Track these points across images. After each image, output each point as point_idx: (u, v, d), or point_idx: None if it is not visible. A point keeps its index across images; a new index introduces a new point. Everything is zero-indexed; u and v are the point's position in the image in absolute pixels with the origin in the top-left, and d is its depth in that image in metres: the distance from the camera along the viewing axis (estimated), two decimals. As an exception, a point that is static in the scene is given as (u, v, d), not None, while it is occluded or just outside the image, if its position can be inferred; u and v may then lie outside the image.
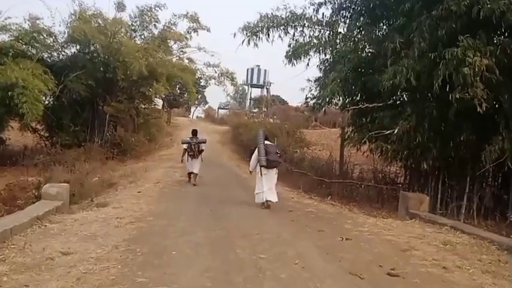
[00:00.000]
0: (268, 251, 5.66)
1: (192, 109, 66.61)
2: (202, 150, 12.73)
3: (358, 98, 12.51)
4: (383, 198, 12.26)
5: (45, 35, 18.96)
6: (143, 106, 24.40)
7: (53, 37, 19.24)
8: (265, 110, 50.47)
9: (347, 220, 8.45)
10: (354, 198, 12.62)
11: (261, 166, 9.12)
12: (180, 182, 13.19)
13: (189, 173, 12.85)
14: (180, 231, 6.56)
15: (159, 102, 36.43)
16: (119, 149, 20.82)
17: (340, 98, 12.56)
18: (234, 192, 12.07)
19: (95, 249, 5.24)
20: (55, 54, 19.81)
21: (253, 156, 9.66)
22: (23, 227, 6.00)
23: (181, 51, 23.81)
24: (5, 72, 15.19)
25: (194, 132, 12.99)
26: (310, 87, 13.65)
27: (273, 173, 9.31)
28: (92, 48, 19.97)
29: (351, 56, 11.54)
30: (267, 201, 9.17)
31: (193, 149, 12.41)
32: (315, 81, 13.63)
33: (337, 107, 14.12)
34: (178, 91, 38.42)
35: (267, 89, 61.74)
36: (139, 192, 10.62)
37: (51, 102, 19.49)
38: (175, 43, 23.14)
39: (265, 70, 62.33)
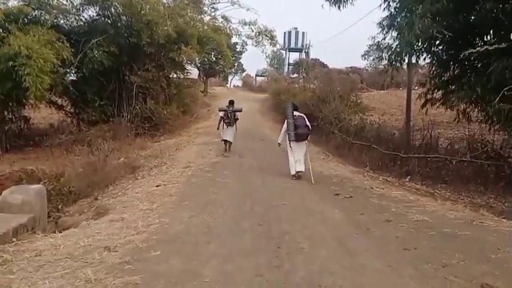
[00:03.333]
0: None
1: (229, 78, 63.98)
2: (237, 119, 12.84)
3: (459, 41, 8.76)
4: (485, 178, 8.91)
5: (58, -3, 16.18)
6: (175, 75, 21.52)
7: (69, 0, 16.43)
8: (305, 74, 46.72)
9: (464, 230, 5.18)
10: (443, 178, 9.32)
11: (290, 141, 8.97)
12: (215, 165, 10.33)
13: (224, 141, 12.82)
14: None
15: (194, 71, 33.77)
16: (150, 124, 18.22)
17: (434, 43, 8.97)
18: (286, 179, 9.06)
19: None
20: (72, 19, 17.04)
21: (282, 129, 9.48)
22: None
23: (213, 7, 20.48)
24: (8, 40, 12.71)
25: (231, 102, 13.18)
26: (376, 40, 10.15)
27: (303, 145, 9.17)
28: (112, 10, 17.05)
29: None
30: (297, 172, 8.99)
31: (230, 117, 12.56)
32: (387, 25, 10.08)
33: (424, 57, 10.35)
34: (214, 58, 35.53)
35: (306, 52, 57.64)
36: (158, 186, 7.80)
37: (72, 75, 17.07)
38: (205, -1, 19.83)
39: (303, 32, 58.31)
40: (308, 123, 9.15)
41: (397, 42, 9.05)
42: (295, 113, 9.16)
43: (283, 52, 61.12)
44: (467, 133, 10.21)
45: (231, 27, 20.98)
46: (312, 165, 9.14)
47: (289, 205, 6.48)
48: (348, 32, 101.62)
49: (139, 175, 9.59)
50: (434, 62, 9.90)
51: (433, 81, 10.55)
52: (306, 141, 9.28)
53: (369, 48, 64.82)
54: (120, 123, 16.96)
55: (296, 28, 58.12)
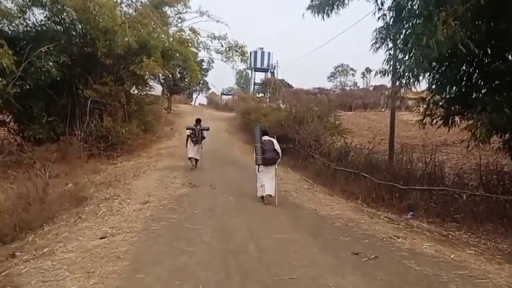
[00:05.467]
0: None
1: (194, 95, 62.13)
2: (204, 138, 12.97)
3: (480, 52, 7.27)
4: (503, 216, 7.46)
5: (0, -1, 13.88)
6: (136, 90, 19.38)
7: (12, 0, 14.13)
8: (272, 94, 45.63)
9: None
10: (452, 216, 7.79)
11: (257, 164, 8.80)
12: (182, 200, 8.32)
13: (190, 158, 12.83)
14: None
15: (157, 88, 31.75)
16: (106, 143, 15.93)
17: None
18: (278, 223, 7.16)
19: None
20: (16, 22, 14.70)
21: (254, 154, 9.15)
22: None
23: (179, 17, 18.69)
24: None
25: (198, 121, 13.25)
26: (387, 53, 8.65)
27: (271, 169, 8.87)
28: (65, 15, 14.89)
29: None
30: (266, 195, 8.67)
31: (197, 135, 12.69)
32: (381, 37, 8.63)
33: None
34: (179, 75, 33.66)
35: (271, 72, 56.97)
36: (103, 238, 5.68)
37: (14, 86, 14.71)
38: (171, 7, 18.00)
39: (269, 53, 57.81)
40: (277, 147, 8.83)
41: (408, 56, 7.52)
42: (265, 137, 9.01)
43: (249, 72, 60.25)
44: (472, 159, 8.85)
45: (199, 41, 19.24)
46: (301, 199, 7.70)
47: (300, 280, 4.46)
48: (314, 54, 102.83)
49: (84, 212, 7.45)
50: (438, 77, 8.49)
51: (433, 99, 9.16)
52: (276, 165, 8.96)
53: (335, 70, 65.21)
54: (71, 143, 14.64)
55: (262, 48, 57.49)
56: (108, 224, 6.42)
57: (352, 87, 60.17)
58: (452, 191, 8.07)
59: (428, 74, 8.03)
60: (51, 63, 13.88)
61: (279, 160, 9.04)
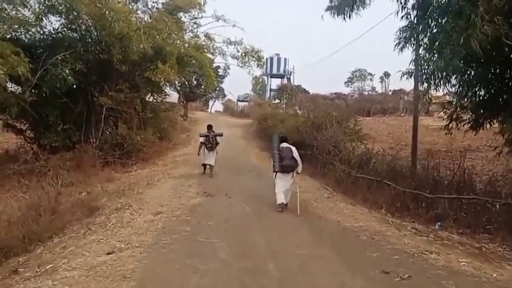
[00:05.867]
0: None
1: (210, 103, 62.23)
2: (218, 143, 12.83)
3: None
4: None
5: (17, 7, 13.83)
6: (152, 97, 19.19)
7: (28, 8, 14.09)
8: (288, 100, 45.22)
9: None
10: (484, 227, 7.21)
11: (275, 171, 8.63)
12: (195, 211, 7.87)
13: (204, 165, 12.92)
14: None
15: (173, 95, 31.70)
16: (121, 151, 15.72)
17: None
18: (299, 236, 6.65)
19: None
20: (33, 30, 14.66)
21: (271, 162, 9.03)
22: None
23: (195, 22, 18.43)
24: None
25: (210, 127, 13.22)
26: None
27: (289, 177, 8.68)
28: (80, 22, 14.78)
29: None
30: (281, 204, 8.49)
31: (211, 142, 12.61)
32: (405, 37, 8.10)
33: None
34: (195, 81, 33.58)
35: (287, 78, 56.62)
36: (110, 254, 5.27)
37: (31, 93, 14.64)
38: (186, 13, 17.79)
39: (285, 59, 57.61)
40: (296, 155, 8.58)
41: (437, 55, 6.95)
42: (283, 144, 8.80)
43: (265, 78, 60.06)
44: (498, 165, 8.24)
45: (214, 46, 18.95)
46: (321, 209, 7.31)
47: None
48: (329, 59, 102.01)
49: (95, 223, 7.13)
50: (467, 78, 7.90)
51: (459, 103, 8.60)
52: (293, 173, 8.70)
53: (352, 74, 64.64)
54: (86, 151, 14.47)
55: (278, 54, 57.31)
56: (117, 237, 6.07)
57: (370, 92, 59.40)
58: (484, 200, 7.47)
59: (457, 75, 7.44)
60: (67, 71, 13.75)
61: (298, 168, 8.68)
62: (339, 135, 13.18)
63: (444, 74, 6.52)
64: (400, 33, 8.42)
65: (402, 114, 34.74)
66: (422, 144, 17.06)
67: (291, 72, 55.58)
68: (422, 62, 7.14)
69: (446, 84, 7.10)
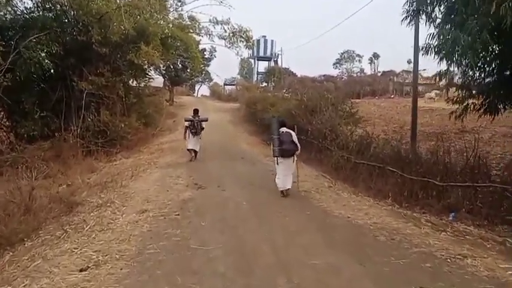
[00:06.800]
0: None
1: (197, 87, 60.90)
2: (203, 128, 12.74)
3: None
4: None
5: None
6: (135, 82, 18.06)
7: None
8: (276, 82, 44.31)
9: None
10: (503, 217, 6.54)
11: (275, 156, 8.48)
12: (186, 207, 7.00)
13: (189, 150, 12.67)
14: None
15: (158, 79, 30.51)
16: (104, 139, 14.72)
17: None
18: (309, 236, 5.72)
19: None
20: (3, 12, 13.38)
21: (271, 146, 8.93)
22: None
23: (179, 0, 17.26)
24: None
25: (196, 111, 13.03)
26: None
27: (290, 161, 8.52)
28: (55, 1, 13.53)
29: None
30: (284, 189, 8.35)
31: (196, 127, 12.44)
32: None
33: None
34: (180, 65, 32.33)
35: (274, 61, 55.54)
36: (84, 270, 4.32)
37: (4, 78, 13.50)
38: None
39: (272, 41, 56.49)
40: (295, 139, 8.45)
41: (459, 28, 6.06)
42: (283, 129, 8.62)
43: (252, 61, 58.91)
44: (495, 146, 7.58)
45: (200, 26, 17.82)
46: (325, 202, 7.07)
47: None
48: (317, 41, 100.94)
49: (72, 223, 6.26)
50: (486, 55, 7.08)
51: (474, 83, 7.84)
52: (294, 158, 8.56)
53: (341, 56, 63.58)
54: (66, 139, 13.44)
55: (265, 36, 56.06)
56: (94, 245, 5.16)
57: (359, 73, 58.64)
58: (502, 187, 6.79)
59: (482, 51, 6.53)
60: (42, 54, 12.62)
61: (297, 152, 8.55)
62: (335, 119, 12.40)
63: (469, 51, 5.64)
64: (408, 5, 7.54)
65: (392, 96, 34.17)
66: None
67: (278, 54, 54.56)
68: (440, 36, 6.28)
69: (470, 63, 6.21)
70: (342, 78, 52.29)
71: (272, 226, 6.10)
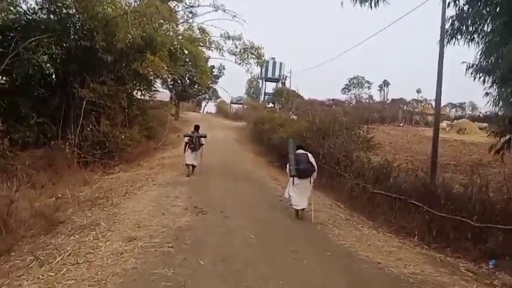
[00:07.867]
0: None
1: (203, 103, 60.54)
2: (203, 144, 12.71)
3: None
4: None
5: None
6: (140, 93, 17.21)
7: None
8: (283, 104, 43.80)
9: None
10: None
11: (291, 176, 8.06)
12: (182, 238, 5.78)
13: (188, 165, 12.46)
14: None
15: (165, 93, 29.84)
16: (102, 150, 13.80)
17: None
18: None
19: None
20: (5, 13, 12.65)
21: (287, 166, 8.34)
22: None
23: (190, 12, 16.52)
24: None
25: (196, 128, 13.00)
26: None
27: (307, 183, 8.11)
28: (59, 3, 12.79)
29: None
30: (300, 209, 8.01)
31: (194, 142, 12.39)
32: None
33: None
34: (188, 81, 31.70)
35: (282, 83, 55.21)
36: None
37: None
38: (180, 2, 15.91)
39: (281, 63, 56.23)
40: (312, 160, 8.17)
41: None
42: (299, 150, 8.43)
43: (260, 81, 58.68)
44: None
45: (211, 40, 17.04)
46: (346, 239, 6.12)
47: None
48: (325, 66, 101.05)
49: (48, 246, 5.23)
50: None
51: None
52: (311, 180, 8.18)
53: (349, 82, 63.48)
54: (61, 148, 12.51)
55: (274, 58, 55.78)
56: (61, 286, 4.00)
57: (367, 100, 58.15)
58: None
59: None
60: (44, 57, 11.82)
61: (314, 174, 8.17)
62: (350, 144, 11.40)
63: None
64: (451, 23, 6.68)
65: (401, 124, 33.34)
66: (427, 156, 15.49)
67: (286, 77, 54.26)
68: (490, 54, 5.37)
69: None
70: (351, 103, 51.71)
71: (287, 274, 4.80)
